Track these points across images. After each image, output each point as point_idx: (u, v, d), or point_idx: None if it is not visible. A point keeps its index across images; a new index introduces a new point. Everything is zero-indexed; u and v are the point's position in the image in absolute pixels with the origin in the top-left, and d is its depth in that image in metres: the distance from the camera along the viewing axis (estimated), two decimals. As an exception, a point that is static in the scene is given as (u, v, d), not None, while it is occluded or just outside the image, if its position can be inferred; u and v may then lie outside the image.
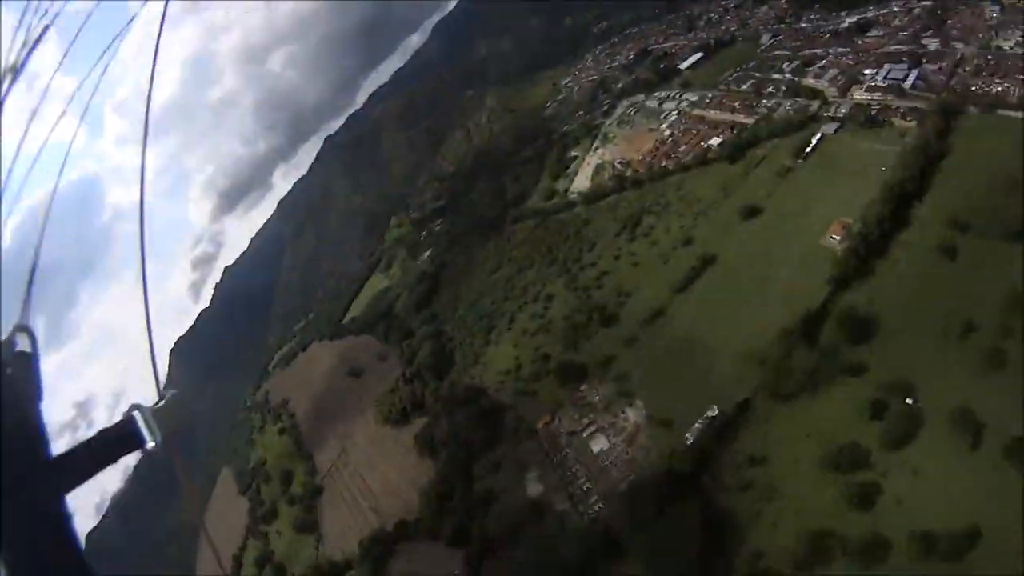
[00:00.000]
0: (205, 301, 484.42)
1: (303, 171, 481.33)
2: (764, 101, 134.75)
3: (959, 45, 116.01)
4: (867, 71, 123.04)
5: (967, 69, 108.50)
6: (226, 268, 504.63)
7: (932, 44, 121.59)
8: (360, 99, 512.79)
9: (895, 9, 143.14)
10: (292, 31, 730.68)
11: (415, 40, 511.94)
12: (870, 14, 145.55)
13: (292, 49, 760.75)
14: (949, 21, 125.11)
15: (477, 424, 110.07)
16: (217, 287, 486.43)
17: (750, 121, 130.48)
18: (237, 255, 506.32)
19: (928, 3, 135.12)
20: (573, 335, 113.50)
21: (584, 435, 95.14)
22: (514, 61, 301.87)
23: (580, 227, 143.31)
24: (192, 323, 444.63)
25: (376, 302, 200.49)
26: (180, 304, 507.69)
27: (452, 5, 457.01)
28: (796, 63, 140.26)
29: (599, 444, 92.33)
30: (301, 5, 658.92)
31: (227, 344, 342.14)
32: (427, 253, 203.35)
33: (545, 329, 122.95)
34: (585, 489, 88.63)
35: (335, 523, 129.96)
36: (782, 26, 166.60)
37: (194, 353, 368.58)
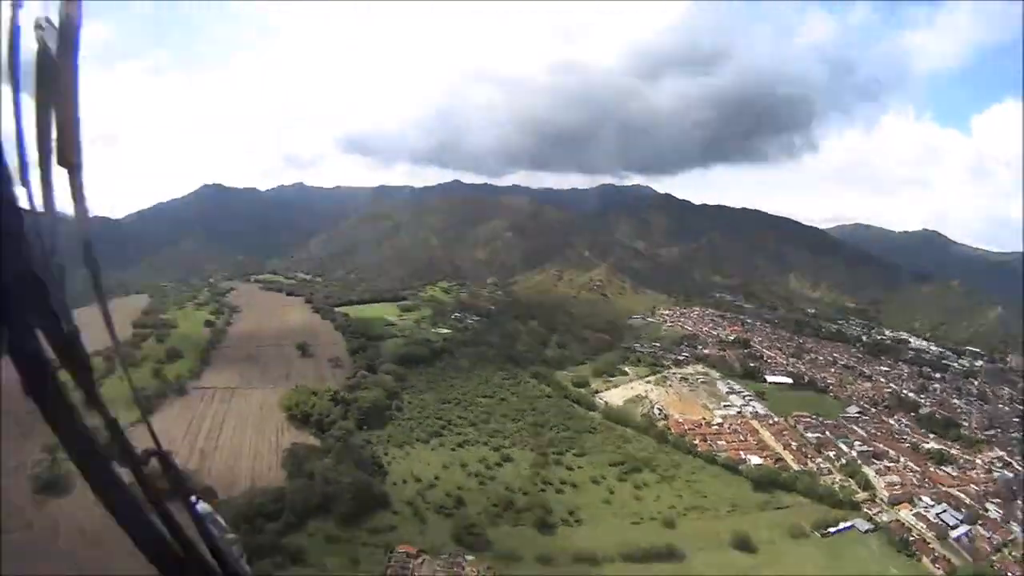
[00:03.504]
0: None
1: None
2: (819, 460, 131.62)
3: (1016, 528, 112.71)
4: (925, 497, 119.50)
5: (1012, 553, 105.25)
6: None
7: (995, 512, 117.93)
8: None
9: (978, 462, 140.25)
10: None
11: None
12: (954, 450, 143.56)
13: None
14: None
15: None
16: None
17: (796, 467, 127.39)
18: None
19: (1010, 476, 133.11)
20: (498, 507, 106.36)
21: None
22: (643, 261, 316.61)
23: (583, 428, 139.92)
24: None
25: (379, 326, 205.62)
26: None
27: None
28: (867, 448, 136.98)
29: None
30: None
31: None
32: (445, 329, 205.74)
33: (487, 478, 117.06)
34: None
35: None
36: (873, 408, 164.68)
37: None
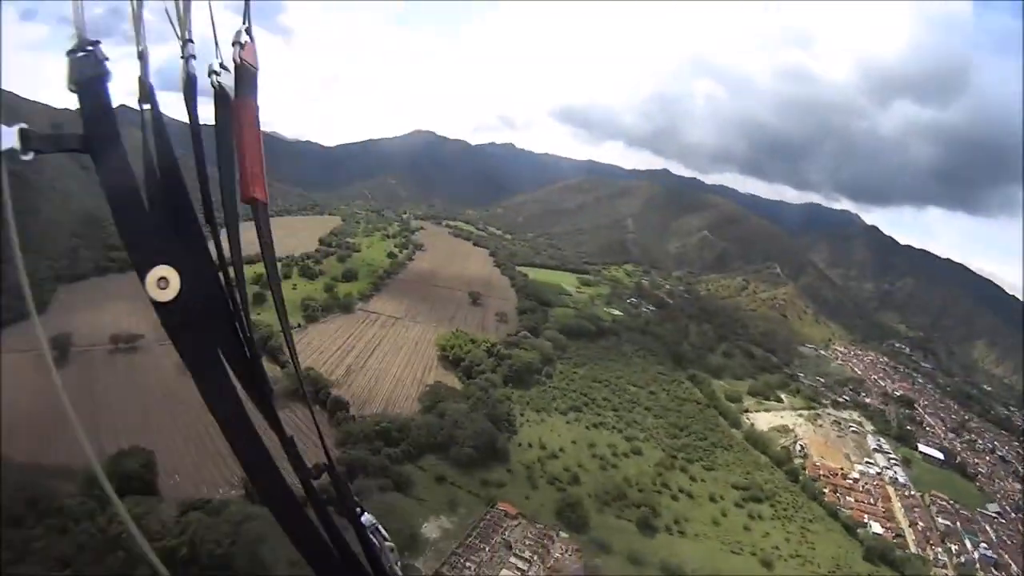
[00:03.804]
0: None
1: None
2: (939, 550, 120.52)
3: None
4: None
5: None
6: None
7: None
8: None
9: None
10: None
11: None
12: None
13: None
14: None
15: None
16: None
17: (914, 548, 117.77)
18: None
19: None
20: (610, 495, 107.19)
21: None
22: (832, 290, 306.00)
23: (720, 443, 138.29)
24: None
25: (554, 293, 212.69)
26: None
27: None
28: (991, 554, 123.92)
29: None
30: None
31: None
32: (617, 311, 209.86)
33: (610, 464, 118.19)
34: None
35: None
36: (1014, 514, 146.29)
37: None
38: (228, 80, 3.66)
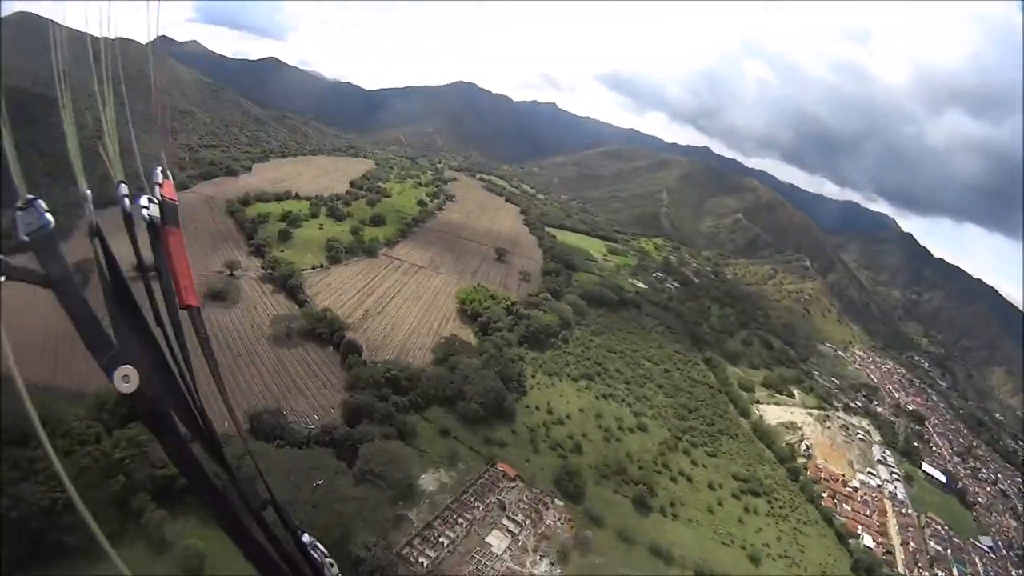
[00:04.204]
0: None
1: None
2: (926, 574, 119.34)
3: None
4: None
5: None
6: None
7: None
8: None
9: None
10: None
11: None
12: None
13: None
14: None
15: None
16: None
17: (901, 569, 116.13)
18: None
19: None
20: (610, 468, 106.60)
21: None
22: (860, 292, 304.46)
23: (726, 431, 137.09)
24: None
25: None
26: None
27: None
28: None
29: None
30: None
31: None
32: (642, 284, 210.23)
33: (614, 437, 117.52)
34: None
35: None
36: (1005, 551, 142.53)
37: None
38: (156, 211, 4.87)
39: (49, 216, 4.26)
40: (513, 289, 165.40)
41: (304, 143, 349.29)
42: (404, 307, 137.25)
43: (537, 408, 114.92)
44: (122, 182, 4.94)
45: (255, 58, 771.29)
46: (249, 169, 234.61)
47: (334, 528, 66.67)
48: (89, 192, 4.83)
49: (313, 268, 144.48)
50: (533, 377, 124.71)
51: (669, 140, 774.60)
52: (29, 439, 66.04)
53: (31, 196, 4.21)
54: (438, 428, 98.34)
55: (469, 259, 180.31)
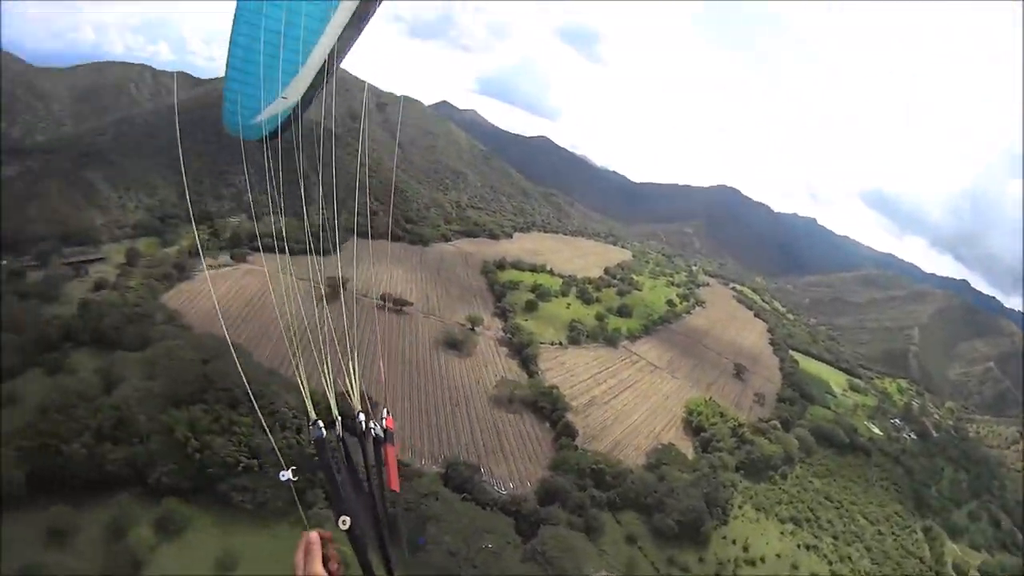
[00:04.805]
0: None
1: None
2: None
3: None
4: None
5: None
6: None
7: None
8: None
9: None
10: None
11: None
12: None
13: None
14: None
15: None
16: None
17: None
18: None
19: None
20: None
21: None
22: None
23: None
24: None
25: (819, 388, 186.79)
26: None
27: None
28: None
29: None
30: None
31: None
32: (877, 429, 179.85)
33: None
34: None
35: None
36: None
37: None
38: (381, 432, 8.29)
39: (321, 430, 7.78)
40: (744, 410, 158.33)
41: (566, 222, 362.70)
42: (631, 403, 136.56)
43: (733, 541, 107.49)
44: (360, 412, 8.40)
45: (528, 134, 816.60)
46: (510, 236, 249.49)
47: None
48: (320, 423, 8.03)
49: (552, 344, 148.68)
50: (739, 508, 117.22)
51: (928, 269, 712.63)
52: (239, 405, 77.71)
53: (314, 418, 7.98)
54: (626, 533, 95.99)
55: (707, 369, 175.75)
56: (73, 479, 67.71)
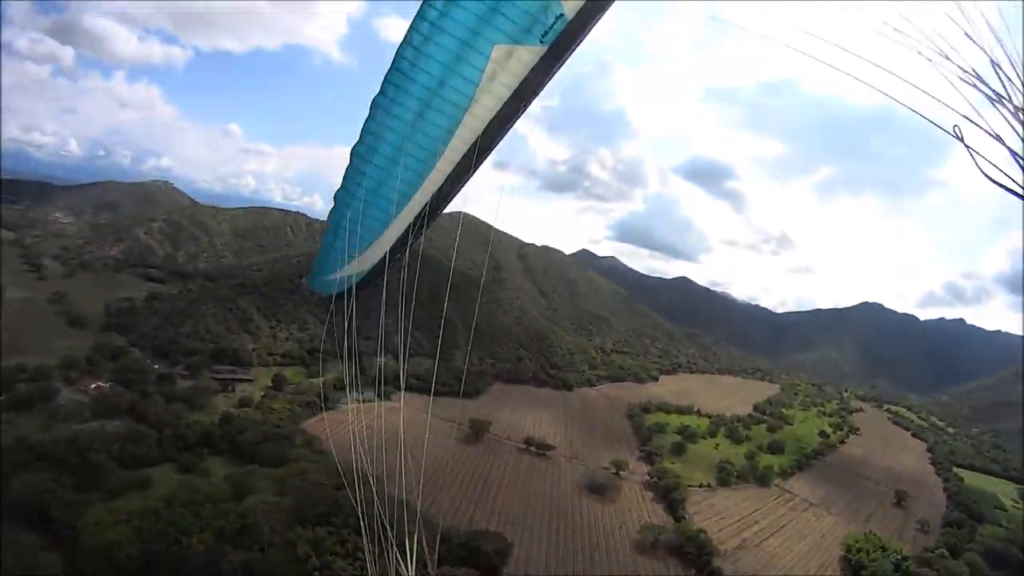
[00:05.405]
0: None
1: None
2: None
3: None
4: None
5: None
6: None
7: None
8: None
9: None
10: None
11: None
12: None
13: None
14: None
15: None
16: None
17: None
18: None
19: None
20: None
21: None
22: None
23: None
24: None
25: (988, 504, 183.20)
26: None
27: None
28: None
29: None
30: None
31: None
32: None
33: None
34: None
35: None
36: None
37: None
38: None
39: None
40: (908, 540, 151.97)
41: (712, 361, 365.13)
42: (784, 545, 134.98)
43: None
44: None
45: (669, 276, 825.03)
46: (656, 379, 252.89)
47: None
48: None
49: (700, 486, 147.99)
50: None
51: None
52: (331, 518, 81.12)
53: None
54: None
55: (865, 500, 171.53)
56: (189, 570, 70.26)
